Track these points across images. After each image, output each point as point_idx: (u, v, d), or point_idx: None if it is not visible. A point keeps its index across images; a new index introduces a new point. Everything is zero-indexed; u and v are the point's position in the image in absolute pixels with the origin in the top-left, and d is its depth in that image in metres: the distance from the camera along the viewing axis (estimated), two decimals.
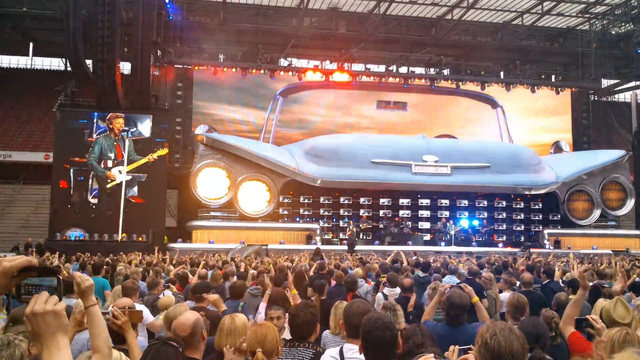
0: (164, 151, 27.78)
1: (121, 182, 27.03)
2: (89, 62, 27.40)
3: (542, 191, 30.83)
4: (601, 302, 4.66)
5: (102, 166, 27.22)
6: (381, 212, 30.26)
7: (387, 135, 33.12)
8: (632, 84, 39.63)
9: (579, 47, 36.67)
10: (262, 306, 6.07)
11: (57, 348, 1.94)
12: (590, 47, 36.00)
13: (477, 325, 4.50)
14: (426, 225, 30.36)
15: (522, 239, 30.46)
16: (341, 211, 29.99)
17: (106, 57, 25.92)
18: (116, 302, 5.22)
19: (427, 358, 1.96)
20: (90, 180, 27.12)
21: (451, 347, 2.86)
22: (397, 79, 35.70)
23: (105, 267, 11.25)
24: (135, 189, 27.35)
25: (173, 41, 32.80)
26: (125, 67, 29.35)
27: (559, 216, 31.36)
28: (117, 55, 26.43)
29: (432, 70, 36.58)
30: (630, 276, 9.45)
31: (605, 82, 40.26)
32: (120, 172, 27.23)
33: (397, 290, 7.70)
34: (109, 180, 27.17)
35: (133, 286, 6.64)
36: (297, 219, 29.19)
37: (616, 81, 40.50)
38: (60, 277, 1.92)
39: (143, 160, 27.43)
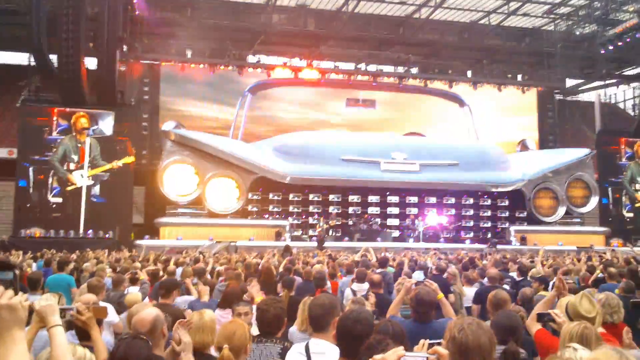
0: (129, 159, 27.44)
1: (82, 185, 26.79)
2: (53, 57, 26.89)
3: (509, 188, 31.24)
4: (566, 297, 4.72)
5: (65, 168, 26.81)
6: (350, 209, 30.33)
7: (356, 132, 33.22)
8: (596, 83, 40.45)
9: (545, 47, 37.26)
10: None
11: (12, 342, 1.89)
12: (556, 47, 36.61)
13: (444, 321, 4.52)
14: (395, 222, 30.54)
15: (489, 235, 30.82)
16: (310, 208, 29.96)
17: (71, 52, 25.42)
18: (80, 297, 5.14)
19: (397, 351, 1.95)
20: (50, 179, 26.72)
21: (421, 341, 2.87)
22: (366, 77, 35.86)
23: (71, 264, 11.08)
24: (97, 187, 27.05)
25: (140, 36, 32.37)
26: (91, 63, 28.86)
27: (525, 213, 31.81)
28: (83, 50, 25.97)
29: (400, 69, 36.79)
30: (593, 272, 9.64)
31: (570, 82, 41.00)
32: (82, 175, 26.88)
33: (366, 285, 7.72)
34: (69, 184, 26.82)
35: (99, 284, 6.54)
36: (267, 216, 29.09)
37: (581, 81, 41.27)
38: (17, 272, 1.87)
39: (107, 167, 27.09)
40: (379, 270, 9.56)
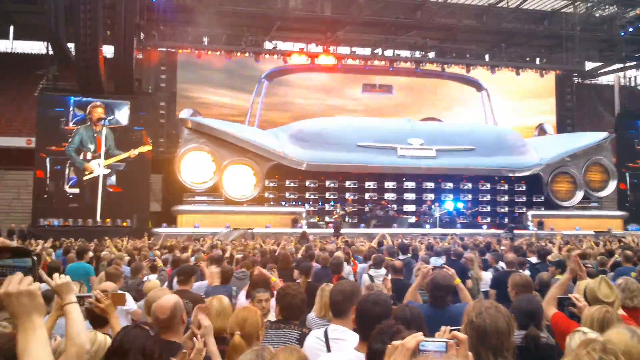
0: (146, 148, 27.57)
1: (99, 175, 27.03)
2: (70, 45, 27.00)
3: (526, 173, 31.04)
4: (584, 281, 4.70)
5: (81, 157, 27.03)
6: (367, 195, 30.32)
7: (372, 118, 33.11)
8: (616, 66, 39.88)
9: (563, 29, 36.74)
10: (243, 293, 6.10)
11: (32, 328, 1.92)
12: (574, 29, 36.09)
13: (461, 306, 4.52)
14: (411, 208, 30.50)
15: (506, 220, 30.68)
16: (327, 194, 30.01)
17: (88, 40, 25.52)
18: (98, 285, 5.20)
19: (416, 336, 1.95)
20: (67, 170, 26.95)
21: (442, 328, 2.88)
22: (383, 62, 35.64)
23: (90, 253, 11.19)
24: (114, 178, 27.26)
25: (156, 24, 32.39)
26: (108, 51, 28.98)
27: (543, 198, 31.59)
28: (100, 38, 26.05)
29: (417, 53, 36.52)
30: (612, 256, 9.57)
31: (589, 65, 40.48)
32: (99, 165, 27.07)
33: (383, 271, 7.74)
34: (86, 173, 27.05)
35: (116, 272, 6.61)
36: (283, 203, 29.17)
37: (600, 64, 40.75)
38: (34, 258, 1.90)
39: (123, 156, 27.25)
40: (401, 257, 9.58)
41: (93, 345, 3.13)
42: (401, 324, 3.12)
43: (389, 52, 35.76)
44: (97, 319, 3.75)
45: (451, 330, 2.82)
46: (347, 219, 28.55)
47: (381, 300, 3.30)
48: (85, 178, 26.94)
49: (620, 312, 3.92)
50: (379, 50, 35.03)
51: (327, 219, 29.08)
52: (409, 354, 1.97)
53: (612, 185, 32.20)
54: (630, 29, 34.88)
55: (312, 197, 29.84)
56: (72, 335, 2.43)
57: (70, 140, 26.85)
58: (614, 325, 2.84)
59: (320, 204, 29.93)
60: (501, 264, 9.19)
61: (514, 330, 2.74)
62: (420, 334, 1.98)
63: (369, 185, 30.35)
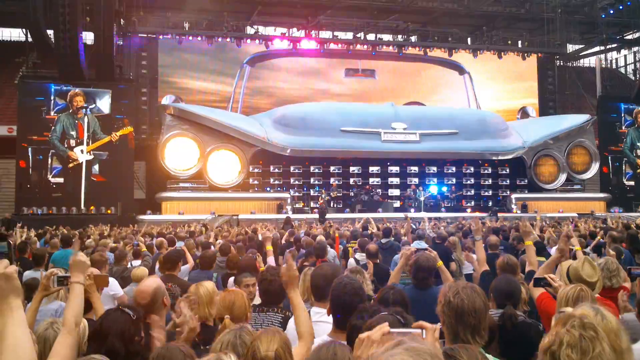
0: (127, 130, 27.43)
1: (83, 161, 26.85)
2: (50, 32, 26.66)
3: (509, 156, 31.24)
4: (568, 262, 4.76)
5: (65, 145, 26.82)
6: (351, 180, 30.37)
7: (356, 103, 33.09)
8: (597, 48, 40.13)
9: (545, 12, 36.83)
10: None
11: (9, 310, 1.92)
12: (555, 12, 36.21)
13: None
14: (396, 192, 30.62)
15: (490, 204, 30.90)
16: (311, 180, 30.03)
17: (68, 27, 25.22)
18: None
19: (382, 327, 1.96)
20: (49, 159, 26.77)
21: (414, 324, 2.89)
22: (365, 46, 35.56)
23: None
24: (97, 167, 27.16)
25: (136, 10, 32.03)
26: (88, 37, 28.63)
27: (526, 181, 31.84)
28: (79, 25, 25.76)
29: (399, 37, 36.49)
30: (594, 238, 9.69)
31: (571, 47, 40.65)
32: (82, 151, 26.89)
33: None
34: (70, 160, 26.85)
35: (101, 259, 6.56)
36: (268, 189, 29.14)
37: (581, 46, 40.93)
38: (11, 242, 1.89)
39: (105, 139, 27.12)
40: (384, 240, 9.60)
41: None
42: (383, 305, 3.14)
43: (371, 37, 35.67)
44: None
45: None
46: (332, 204, 28.59)
47: (349, 286, 3.29)
48: (70, 166, 26.80)
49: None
50: (361, 35, 34.92)
51: (312, 204, 29.10)
52: (375, 346, 1.97)
53: (595, 168, 32.49)
54: (611, 11, 35.08)
55: (296, 182, 29.83)
56: (75, 310, 2.50)
57: (52, 128, 26.69)
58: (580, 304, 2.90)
59: (305, 189, 29.93)
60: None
61: (488, 309, 2.78)
62: (385, 324, 1.97)
63: (353, 170, 30.40)
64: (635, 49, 41.09)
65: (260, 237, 10.00)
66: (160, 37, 32.97)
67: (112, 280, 5.68)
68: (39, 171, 26.72)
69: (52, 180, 26.80)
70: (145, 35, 32.98)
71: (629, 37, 40.57)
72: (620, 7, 34.58)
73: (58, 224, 18.82)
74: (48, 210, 25.80)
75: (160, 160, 27.28)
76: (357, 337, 2.00)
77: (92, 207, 26.32)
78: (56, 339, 2.67)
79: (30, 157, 26.64)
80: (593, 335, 2.08)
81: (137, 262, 7.82)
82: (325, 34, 35.47)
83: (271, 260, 6.12)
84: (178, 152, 27.45)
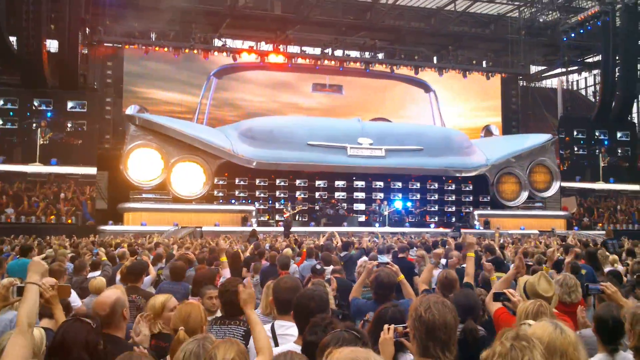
0: None
1: None
2: (13, 38, 26.21)
3: (473, 173, 31.64)
4: (525, 277, 4.83)
5: None
6: (317, 194, 30.38)
7: (323, 117, 33.21)
8: (559, 70, 41.15)
9: (509, 34, 37.67)
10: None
11: None
12: (519, 34, 37.03)
13: (405, 302, 4.58)
14: (361, 206, 30.72)
15: (453, 219, 31.21)
16: (277, 193, 29.94)
17: (32, 33, 24.83)
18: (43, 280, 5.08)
19: (391, 327, 2.26)
20: None
21: (385, 326, 2.90)
22: (333, 62, 35.79)
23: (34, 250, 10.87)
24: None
25: (102, 19, 31.69)
26: (52, 45, 28.21)
27: (489, 198, 32.26)
28: (44, 32, 25.38)
29: (367, 54, 36.82)
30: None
31: (534, 69, 41.61)
32: None
33: (330, 268, 7.77)
34: None
35: (60, 269, 6.47)
36: (233, 201, 28.95)
37: (544, 67, 41.92)
38: None
39: None
40: (342, 254, 9.62)
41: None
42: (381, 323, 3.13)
43: (338, 52, 35.95)
44: (44, 310, 3.69)
45: (396, 327, 2.86)
46: (297, 217, 28.54)
47: (316, 295, 3.31)
48: None
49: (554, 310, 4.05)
50: (329, 50, 35.15)
51: (277, 217, 29.00)
52: (392, 342, 2.48)
53: (556, 186, 33.07)
54: (572, 35, 36.00)
55: (262, 195, 29.70)
56: (29, 310, 2.45)
57: None
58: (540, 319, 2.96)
59: (270, 202, 29.82)
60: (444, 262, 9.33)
61: (458, 325, 2.81)
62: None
63: (319, 184, 30.43)
64: (595, 71, 42.16)
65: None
66: (127, 47, 32.60)
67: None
68: None
69: None
70: (111, 44, 32.59)
71: (590, 60, 41.70)
72: (582, 31, 35.50)
73: (17, 234, 18.40)
74: (6, 219, 25.21)
75: (123, 170, 26.87)
76: (312, 352, 2.12)
77: (52, 217, 25.77)
78: (9, 340, 2.61)
79: None
80: (524, 345, 2.16)
81: (96, 273, 7.68)
82: (294, 49, 35.61)
83: (226, 273, 6.07)
84: (142, 163, 27.05)
